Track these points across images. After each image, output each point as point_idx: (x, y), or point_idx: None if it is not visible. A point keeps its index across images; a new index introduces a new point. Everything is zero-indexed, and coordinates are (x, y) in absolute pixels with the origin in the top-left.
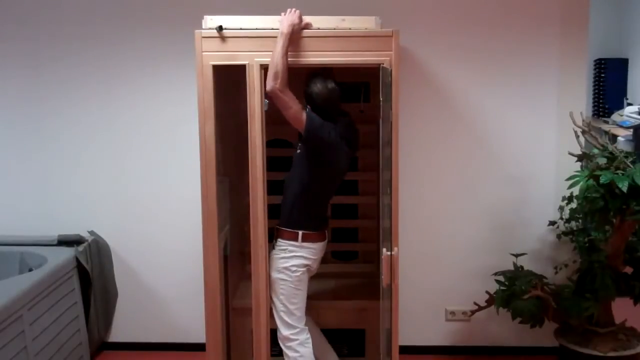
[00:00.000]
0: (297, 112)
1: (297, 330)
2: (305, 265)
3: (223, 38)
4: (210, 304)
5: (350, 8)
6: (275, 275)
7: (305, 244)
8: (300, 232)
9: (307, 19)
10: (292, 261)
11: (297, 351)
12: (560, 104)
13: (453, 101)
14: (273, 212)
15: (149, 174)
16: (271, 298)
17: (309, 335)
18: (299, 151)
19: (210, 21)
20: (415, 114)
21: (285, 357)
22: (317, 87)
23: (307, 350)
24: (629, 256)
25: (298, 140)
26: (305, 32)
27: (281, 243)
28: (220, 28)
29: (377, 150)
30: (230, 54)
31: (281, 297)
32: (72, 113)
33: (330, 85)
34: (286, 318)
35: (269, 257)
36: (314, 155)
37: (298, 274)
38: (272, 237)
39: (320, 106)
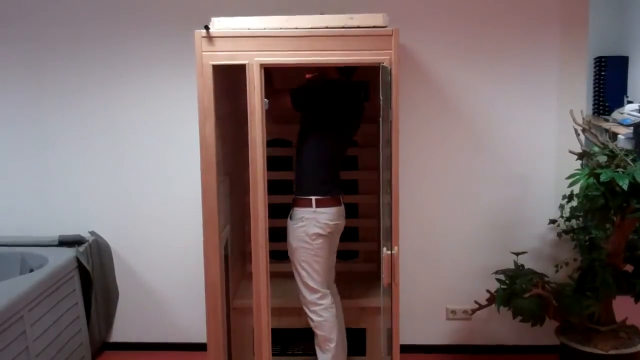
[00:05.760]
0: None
1: (321, 294)
2: (324, 233)
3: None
4: (211, 303)
5: (349, 7)
6: (296, 244)
7: (319, 209)
8: (313, 198)
9: (312, 18)
10: (311, 229)
11: (321, 315)
12: (561, 102)
13: (453, 100)
14: (273, 211)
15: (149, 174)
16: (294, 265)
17: (332, 300)
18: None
19: (218, 23)
20: (415, 113)
21: (309, 320)
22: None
23: (331, 314)
24: (629, 254)
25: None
26: (305, 32)
27: (297, 212)
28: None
29: (377, 150)
30: (230, 53)
31: (303, 263)
32: (72, 113)
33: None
34: (309, 282)
35: (288, 226)
36: (313, 120)
37: (319, 241)
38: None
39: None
